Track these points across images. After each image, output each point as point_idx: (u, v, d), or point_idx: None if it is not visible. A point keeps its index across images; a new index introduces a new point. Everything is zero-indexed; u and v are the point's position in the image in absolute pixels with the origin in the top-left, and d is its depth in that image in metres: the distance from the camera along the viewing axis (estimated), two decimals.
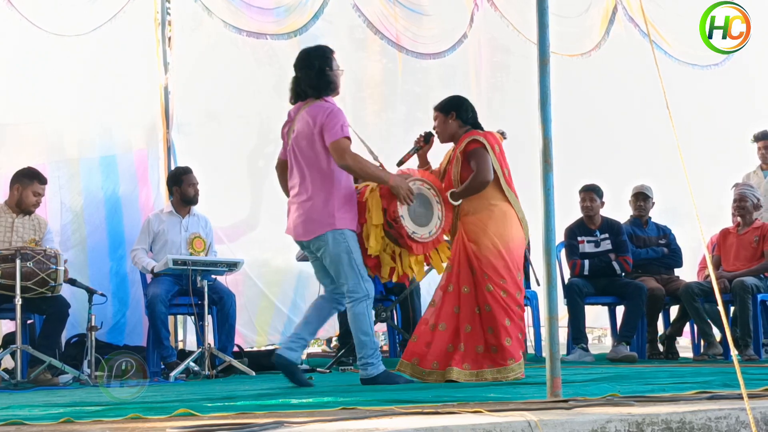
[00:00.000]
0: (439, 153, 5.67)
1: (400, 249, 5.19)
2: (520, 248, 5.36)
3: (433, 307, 5.33)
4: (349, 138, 5.01)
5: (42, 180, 6.76)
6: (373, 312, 7.25)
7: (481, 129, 5.47)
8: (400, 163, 5.58)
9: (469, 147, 5.32)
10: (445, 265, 5.38)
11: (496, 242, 5.22)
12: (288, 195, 5.27)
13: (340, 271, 5.09)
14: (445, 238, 5.42)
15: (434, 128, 5.52)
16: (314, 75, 5.15)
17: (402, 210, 5.03)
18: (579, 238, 7.88)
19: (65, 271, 6.31)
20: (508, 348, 5.18)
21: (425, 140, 5.55)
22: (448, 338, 5.22)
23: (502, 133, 5.59)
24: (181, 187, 7.39)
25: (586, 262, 7.80)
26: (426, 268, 7.11)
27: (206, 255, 7.19)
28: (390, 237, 5.11)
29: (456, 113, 5.45)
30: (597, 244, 7.85)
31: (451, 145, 5.56)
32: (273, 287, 8.47)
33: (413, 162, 5.62)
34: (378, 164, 5.24)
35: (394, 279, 5.28)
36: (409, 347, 5.36)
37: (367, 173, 5.09)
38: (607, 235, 7.86)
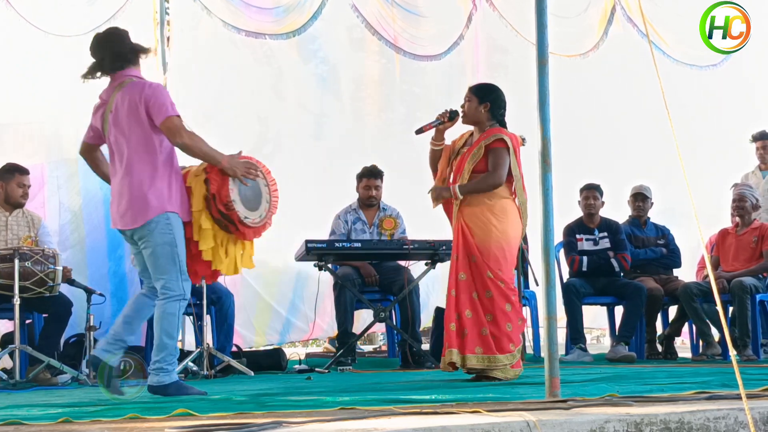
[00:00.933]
0: (453, 132, 5.64)
1: (228, 238, 4.85)
2: (517, 245, 5.40)
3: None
4: (179, 116, 4.71)
5: (23, 171, 6.80)
6: (370, 312, 7.29)
7: (506, 127, 5.47)
8: (419, 131, 5.52)
9: (494, 144, 5.32)
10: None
11: (498, 236, 5.25)
12: (106, 179, 4.96)
13: (159, 265, 4.67)
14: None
15: (462, 106, 5.48)
16: (112, 51, 4.79)
17: (233, 194, 4.72)
18: (578, 236, 7.90)
19: (67, 270, 6.34)
20: (509, 333, 5.23)
21: (450, 118, 5.49)
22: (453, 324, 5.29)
23: (523, 139, 5.57)
24: None
25: (585, 258, 7.81)
26: (425, 267, 7.14)
27: None
28: (220, 225, 4.78)
29: (490, 105, 5.42)
30: (595, 242, 7.86)
31: (468, 127, 5.55)
32: (271, 288, 8.48)
33: (429, 135, 5.59)
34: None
35: (226, 273, 4.91)
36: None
37: (203, 152, 4.72)
38: (605, 234, 7.88)
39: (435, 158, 5.59)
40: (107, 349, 4.73)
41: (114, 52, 4.82)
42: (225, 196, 4.70)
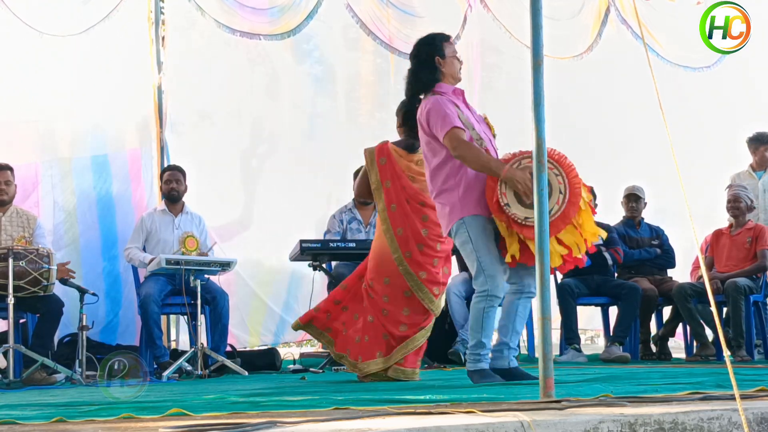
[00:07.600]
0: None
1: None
2: (388, 259, 5.43)
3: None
4: (457, 126, 4.74)
5: (0, 167, 6.77)
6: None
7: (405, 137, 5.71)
8: None
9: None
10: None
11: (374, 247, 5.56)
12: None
13: (469, 266, 4.84)
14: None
15: None
16: (418, 65, 4.98)
17: (508, 197, 4.60)
18: None
19: (65, 270, 6.35)
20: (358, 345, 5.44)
21: None
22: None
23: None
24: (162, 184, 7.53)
25: None
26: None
27: (203, 254, 7.15)
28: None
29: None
30: None
31: None
32: (265, 287, 8.47)
33: None
34: None
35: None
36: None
37: (480, 164, 4.73)
38: None
39: None
40: (496, 356, 4.84)
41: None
42: (496, 203, 4.67)
